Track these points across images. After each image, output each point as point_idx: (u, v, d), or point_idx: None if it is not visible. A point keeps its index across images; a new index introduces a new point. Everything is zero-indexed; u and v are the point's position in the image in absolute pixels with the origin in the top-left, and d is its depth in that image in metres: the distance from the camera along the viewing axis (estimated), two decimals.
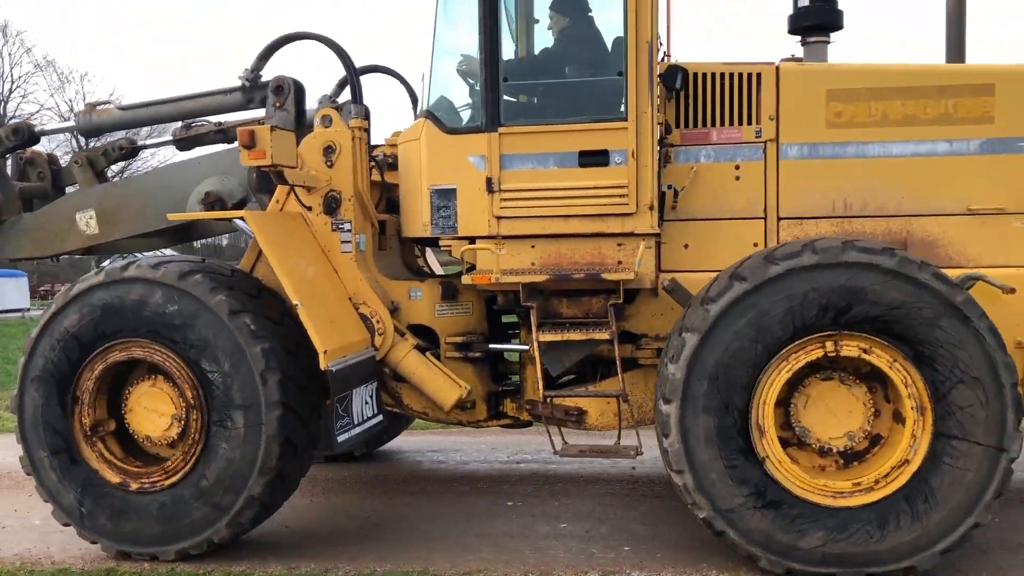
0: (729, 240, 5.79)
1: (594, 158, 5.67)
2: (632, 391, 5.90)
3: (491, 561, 5.59)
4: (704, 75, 5.81)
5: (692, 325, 5.01)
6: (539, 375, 5.69)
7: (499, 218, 5.83)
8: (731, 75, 5.78)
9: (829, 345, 4.95)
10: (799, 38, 6.28)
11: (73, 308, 5.72)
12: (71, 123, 7.12)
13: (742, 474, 4.98)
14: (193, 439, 5.60)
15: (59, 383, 5.76)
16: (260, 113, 6.76)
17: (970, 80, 5.63)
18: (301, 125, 6.49)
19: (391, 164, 6.75)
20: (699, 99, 5.82)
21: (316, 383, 5.67)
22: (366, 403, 5.97)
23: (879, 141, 5.66)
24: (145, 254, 7.79)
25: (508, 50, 6.37)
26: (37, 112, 41.76)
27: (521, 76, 6.08)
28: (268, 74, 6.67)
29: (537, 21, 6.62)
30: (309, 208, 6.25)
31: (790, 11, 6.27)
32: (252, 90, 6.58)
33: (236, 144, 6.03)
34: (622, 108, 5.62)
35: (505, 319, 6.62)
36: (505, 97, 6.05)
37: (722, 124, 5.81)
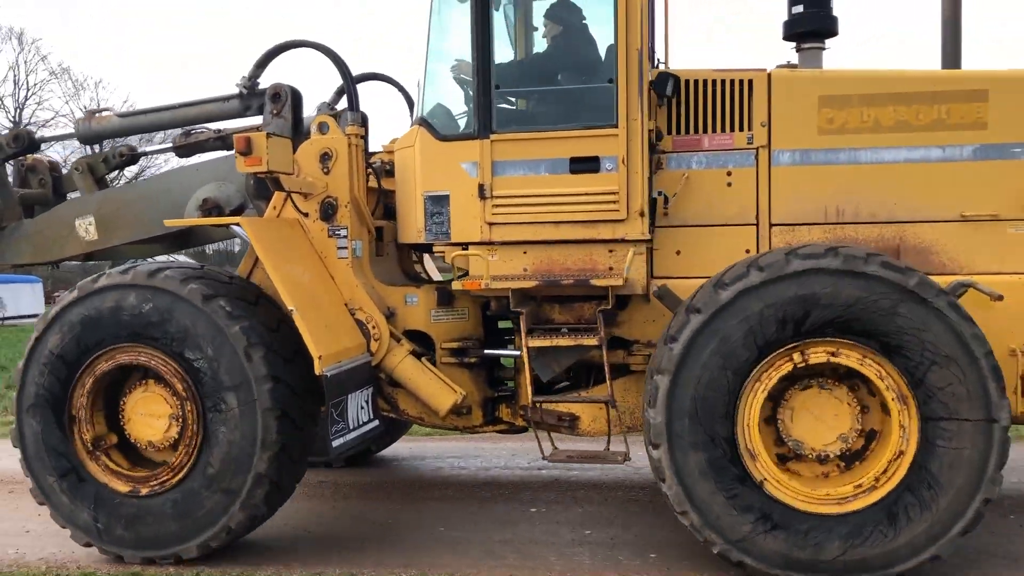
0: (721, 247, 5.79)
1: (585, 165, 5.69)
2: (625, 397, 5.92)
3: (517, 568, 5.59)
4: (696, 82, 5.82)
5: (661, 367, 5.05)
6: (527, 381, 5.71)
7: (491, 224, 5.86)
8: (723, 82, 5.79)
9: (796, 356, 4.97)
10: (794, 44, 6.31)
11: (54, 329, 5.82)
12: (71, 130, 7.19)
13: (744, 501, 4.98)
14: (192, 430, 5.64)
15: (54, 406, 5.82)
16: (259, 120, 6.81)
17: (963, 86, 5.61)
18: (298, 132, 6.54)
19: (388, 171, 6.79)
20: (691, 106, 5.83)
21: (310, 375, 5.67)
22: (362, 408, 6.00)
23: (871, 147, 5.65)
24: (150, 260, 7.84)
25: (506, 57, 6.42)
26: (52, 119, 42.11)
27: (513, 83, 6.11)
28: (266, 81, 6.74)
29: (536, 29, 6.66)
30: (306, 214, 6.29)
31: (785, 17, 6.30)
32: (250, 97, 6.64)
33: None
34: (613, 115, 5.63)
35: (502, 325, 6.65)
36: (503, 104, 6.10)
37: (714, 131, 5.81)
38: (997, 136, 5.55)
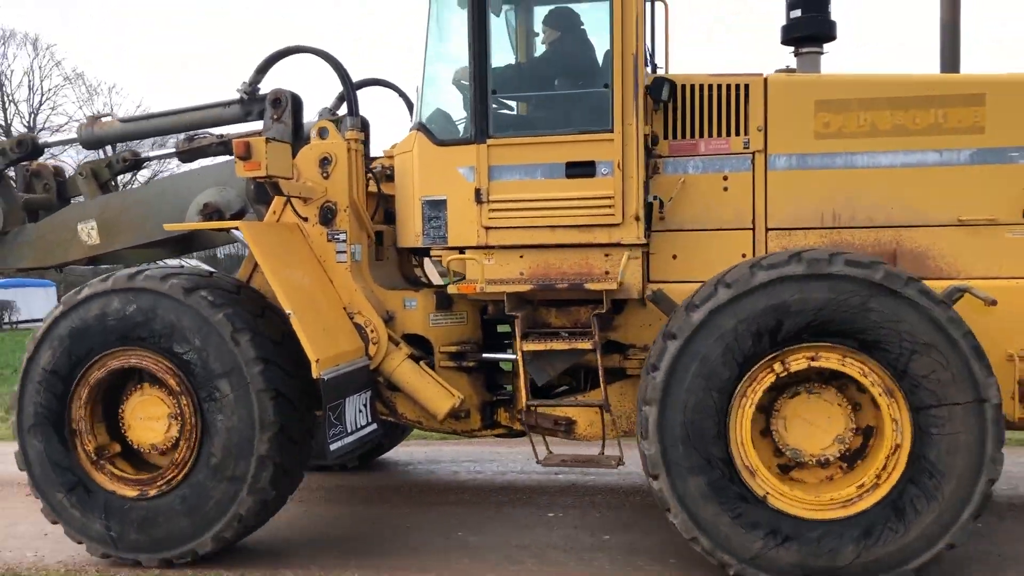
0: (718, 251, 5.79)
1: (581, 169, 5.71)
2: (621, 401, 5.93)
3: (535, 573, 5.59)
4: (692, 87, 5.83)
5: (647, 397, 5.06)
6: (522, 384, 5.72)
7: (487, 228, 5.89)
8: (719, 87, 5.79)
9: (777, 366, 4.97)
10: (792, 49, 6.31)
11: (44, 346, 5.89)
12: (73, 135, 7.26)
13: (750, 519, 4.96)
14: (191, 424, 5.68)
15: (54, 423, 5.88)
16: (260, 125, 6.85)
17: (960, 90, 5.61)
18: (299, 137, 6.58)
19: (389, 176, 6.82)
20: (687, 110, 5.84)
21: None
22: (360, 412, 6.03)
23: (868, 152, 5.65)
24: (159, 264, 7.90)
25: (505, 62, 6.45)
26: (66, 124, 42.43)
27: (510, 88, 6.13)
28: (267, 86, 6.80)
29: (537, 34, 6.68)
30: (305, 219, 6.33)
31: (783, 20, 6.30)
32: (250, 103, 6.68)
33: None
34: (608, 120, 5.65)
35: (501, 329, 6.67)
36: (503, 110, 6.12)
37: (710, 135, 5.82)
38: (995, 140, 5.53)
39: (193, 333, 5.60)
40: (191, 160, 7.33)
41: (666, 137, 5.88)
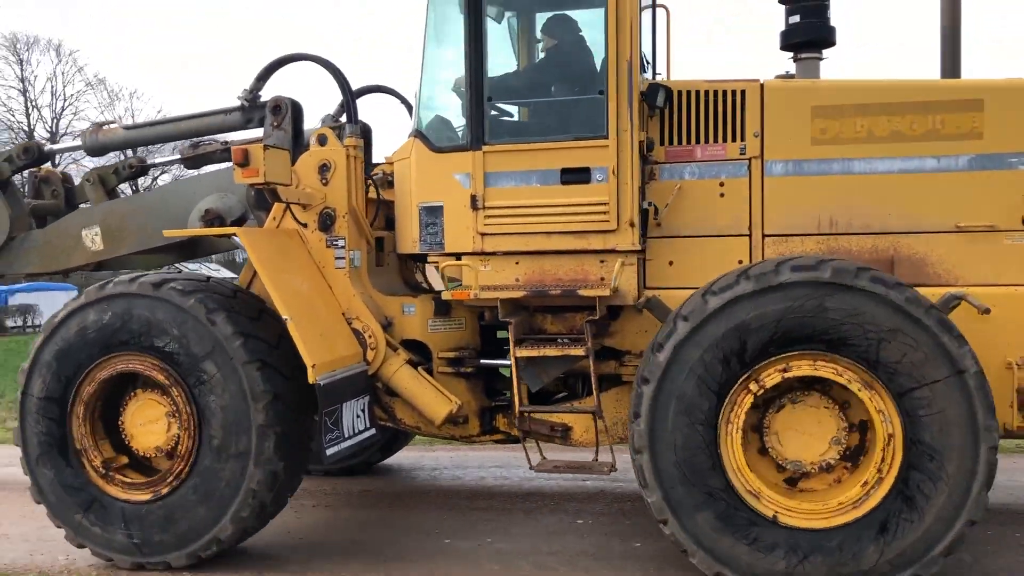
0: (714, 257, 5.77)
1: (576, 175, 5.71)
2: (618, 408, 5.92)
3: None
4: (688, 92, 5.83)
5: (636, 445, 5.06)
6: (516, 390, 5.73)
7: (483, 235, 5.91)
8: (715, 92, 5.79)
9: (753, 386, 4.95)
10: (791, 55, 6.29)
11: (34, 376, 5.98)
12: (79, 143, 7.35)
13: (767, 541, 4.92)
14: (187, 412, 5.73)
15: (58, 448, 5.96)
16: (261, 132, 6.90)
17: (958, 95, 5.56)
18: (299, 144, 6.63)
19: (390, 182, 6.86)
20: (683, 116, 5.84)
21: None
22: (357, 417, 6.05)
23: (865, 158, 5.62)
24: (165, 269, 7.97)
25: (506, 68, 6.47)
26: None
27: (506, 95, 6.14)
28: (269, 93, 6.84)
29: (539, 41, 6.70)
30: (305, 225, 6.37)
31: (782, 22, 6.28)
32: (251, 110, 6.74)
33: None
34: (603, 126, 5.65)
35: (500, 335, 6.68)
36: (496, 115, 6.13)
37: (707, 141, 5.81)
38: (993, 146, 5.48)
39: (170, 323, 5.70)
40: (196, 167, 7.41)
41: (662, 143, 5.87)
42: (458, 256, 6.01)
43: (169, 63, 72.20)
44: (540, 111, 6.13)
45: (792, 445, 5.09)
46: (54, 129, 44.74)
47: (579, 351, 5.60)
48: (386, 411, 6.49)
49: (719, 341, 4.91)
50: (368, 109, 6.67)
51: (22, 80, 45.98)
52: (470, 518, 6.90)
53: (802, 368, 4.91)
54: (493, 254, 5.93)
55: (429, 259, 6.29)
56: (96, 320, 5.83)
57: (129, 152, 8.33)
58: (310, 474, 8.08)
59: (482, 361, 6.42)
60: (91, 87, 47.01)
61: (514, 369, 5.73)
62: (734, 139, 5.77)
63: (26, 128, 45.05)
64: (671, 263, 5.89)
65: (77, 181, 7.76)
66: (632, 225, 5.66)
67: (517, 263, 5.92)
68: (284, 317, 5.63)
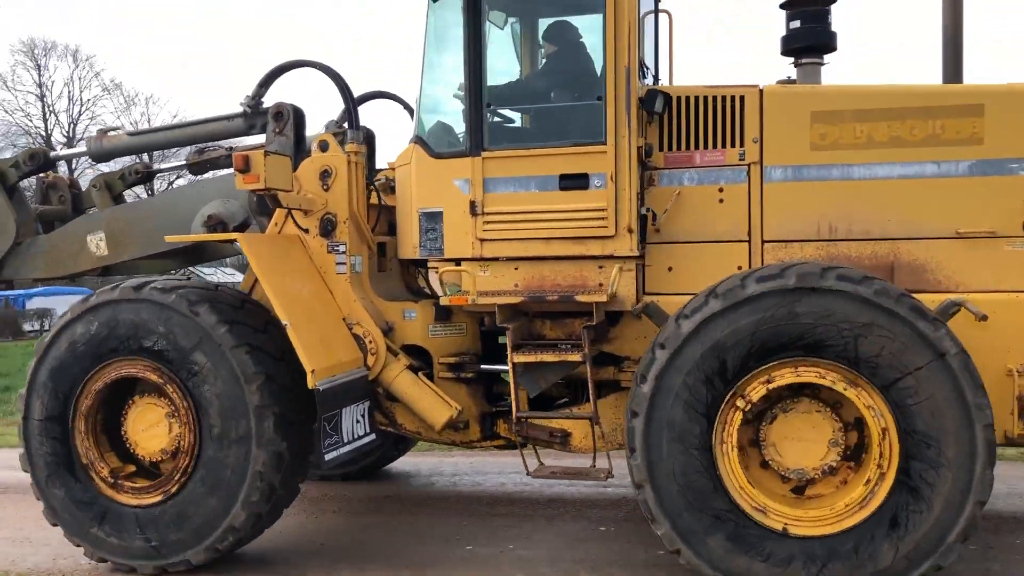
0: (713, 263, 5.76)
1: (574, 181, 5.72)
2: (616, 413, 5.91)
3: None
4: (687, 98, 5.82)
5: (636, 479, 5.07)
6: (513, 396, 5.73)
7: (482, 240, 5.92)
8: (714, 98, 5.78)
9: (739, 402, 4.95)
10: (792, 60, 6.28)
11: (33, 399, 6.07)
12: (83, 148, 7.41)
13: (782, 555, 4.87)
14: (184, 406, 5.79)
15: (66, 465, 6.03)
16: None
17: (958, 100, 5.54)
18: (301, 150, 6.66)
19: (393, 187, 6.88)
20: (682, 122, 5.83)
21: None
22: (357, 422, 6.07)
23: (865, 163, 5.59)
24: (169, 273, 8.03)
25: (511, 73, 6.49)
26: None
27: (508, 101, 6.15)
28: (274, 98, 6.88)
29: (541, 47, 6.71)
30: (306, 230, 6.40)
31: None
32: (254, 116, 6.78)
33: None
34: (601, 132, 5.65)
35: (502, 340, 6.67)
36: (507, 123, 6.15)
37: (706, 147, 5.80)
38: (994, 152, 5.45)
39: (155, 322, 5.77)
40: (201, 172, 7.46)
41: (662, 149, 5.87)
42: (458, 262, 6.03)
43: (169, 63, 72.65)
44: (539, 117, 6.14)
45: (791, 454, 5.06)
46: (71, 134, 45.15)
47: (576, 357, 5.60)
48: (387, 416, 6.50)
49: (698, 363, 4.91)
50: (373, 115, 6.72)
51: (39, 85, 46.48)
52: (491, 524, 6.87)
53: (785, 377, 4.90)
54: (492, 260, 5.95)
55: (429, 265, 6.30)
56: (84, 332, 5.92)
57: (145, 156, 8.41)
58: (326, 479, 8.16)
59: (483, 366, 6.42)
60: (107, 92, 47.45)
61: (511, 374, 5.74)
62: (733, 145, 5.75)
63: (43, 133, 45.50)
64: (670, 269, 5.88)
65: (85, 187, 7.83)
66: (630, 231, 5.66)
67: (516, 269, 5.93)
68: (284, 322, 5.66)
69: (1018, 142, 5.43)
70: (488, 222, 5.89)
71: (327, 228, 6.36)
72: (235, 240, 6.23)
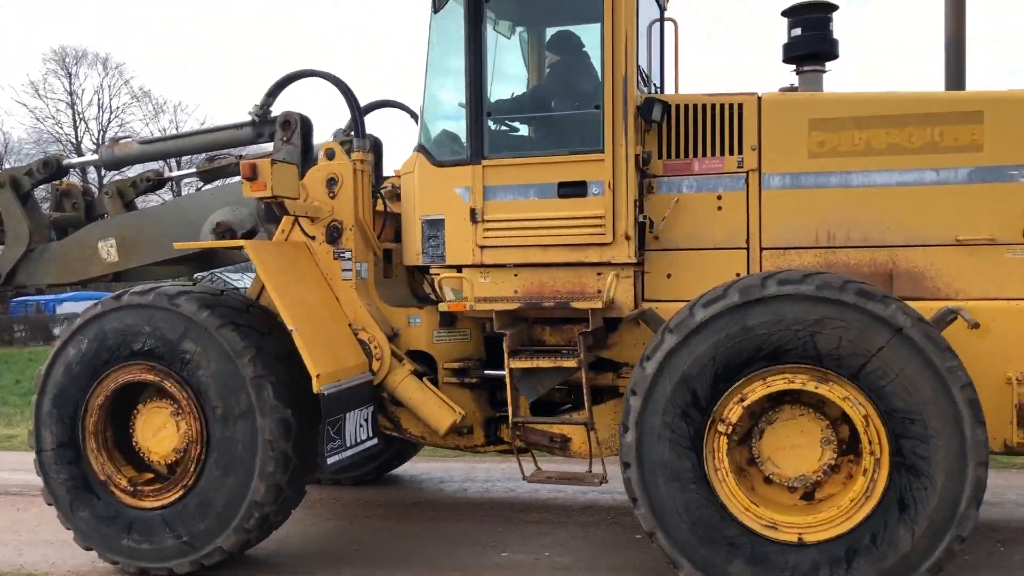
0: (712, 270, 5.78)
1: (572, 189, 5.77)
2: (614, 419, 5.92)
3: None
4: (686, 106, 5.85)
5: (648, 528, 5.11)
6: (510, 401, 5.78)
7: (482, 247, 5.99)
8: (713, 106, 5.80)
9: (721, 427, 4.98)
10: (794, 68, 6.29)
11: (43, 432, 6.25)
12: (95, 157, 7.55)
13: (807, 565, 4.84)
14: (184, 397, 5.93)
15: (85, 485, 6.17)
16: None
17: (958, 107, 5.52)
18: (308, 158, 6.76)
19: (399, 195, 6.97)
20: (681, 130, 5.87)
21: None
22: (360, 426, 6.14)
23: (863, 170, 5.59)
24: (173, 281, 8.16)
25: (516, 82, 6.55)
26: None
27: (506, 110, 6.22)
28: (284, 107, 6.97)
29: (547, 56, 6.76)
30: (313, 237, 6.50)
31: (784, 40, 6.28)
32: (262, 125, 6.88)
33: None
34: (599, 140, 5.70)
35: None
36: (512, 133, 6.21)
37: (704, 155, 5.83)
38: (993, 158, 5.42)
39: (140, 323, 5.98)
40: (212, 180, 7.59)
41: (660, 156, 5.90)
42: (459, 268, 6.10)
43: (169, 63, 72.98)
44: (539, 126, 6.21)
45: (788, 463, 5.07)
46: (100, 141, 45.72)
47: (572, 363, 5.65)
48: (392, 421, 6.58)
49: (671, 400, 4.97)
50: (382, 123, 6.83)
51: (70, 93, 47.15)
52: (525, 531, 6.87)
53: (756, 390, 4.94)
54: (492, 266, 6.00)
55: (431, 271, 6.38)
56: (76, 353, 6.12)
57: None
58: (340, 483, 8.28)
59: (486, 372, 6.47)
60: (136, 100, 48.06)
61: (509, 380, 5.79)
62: (731, 152, 5.78)
63: (73, 140, 46.14)
64: (669, 276, 5.91)
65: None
66: (628, 238, 5.70)
67: (516, 275, 5.99)
68: (290, 328, 5.74)
69: (1018, 149, 5.40)
70: (488, 229, 5.96)
71: (333, 235, 6.46)
72: (243, 247, 6.34)
